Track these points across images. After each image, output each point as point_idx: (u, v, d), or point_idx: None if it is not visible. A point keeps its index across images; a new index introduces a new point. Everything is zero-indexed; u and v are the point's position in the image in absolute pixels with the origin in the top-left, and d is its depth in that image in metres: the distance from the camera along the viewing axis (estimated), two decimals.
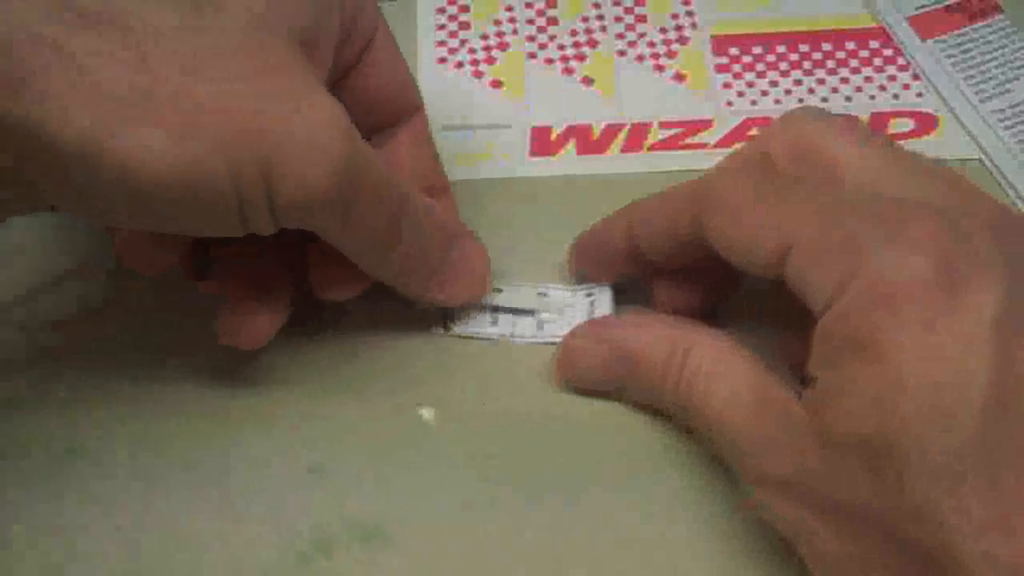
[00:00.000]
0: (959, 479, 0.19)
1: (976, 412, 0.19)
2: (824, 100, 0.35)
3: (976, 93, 0.35)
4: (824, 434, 0.21)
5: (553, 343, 0.29)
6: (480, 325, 0.29)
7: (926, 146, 0.33)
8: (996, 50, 0.35)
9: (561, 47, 0.36)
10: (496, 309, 0.30)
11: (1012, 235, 0.21)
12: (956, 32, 0.36)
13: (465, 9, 0.37)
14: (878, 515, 0.20)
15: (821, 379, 0.21)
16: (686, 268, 0.27)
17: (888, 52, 0.36)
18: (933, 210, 0.21)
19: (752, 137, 0.27)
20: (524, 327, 0.29)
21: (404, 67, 0.28)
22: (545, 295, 0.30)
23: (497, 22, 0.37)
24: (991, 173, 0.33)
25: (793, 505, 0.22)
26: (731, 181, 0.24)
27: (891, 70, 0.36)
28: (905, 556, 0.20)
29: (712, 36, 0.37)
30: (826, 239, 0.21)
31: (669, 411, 0.27)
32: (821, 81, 0.35)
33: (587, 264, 0.29)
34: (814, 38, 0.36)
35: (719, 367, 0.24)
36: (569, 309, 0.29)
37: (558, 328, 0.29)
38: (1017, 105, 0.34)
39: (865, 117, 0.34)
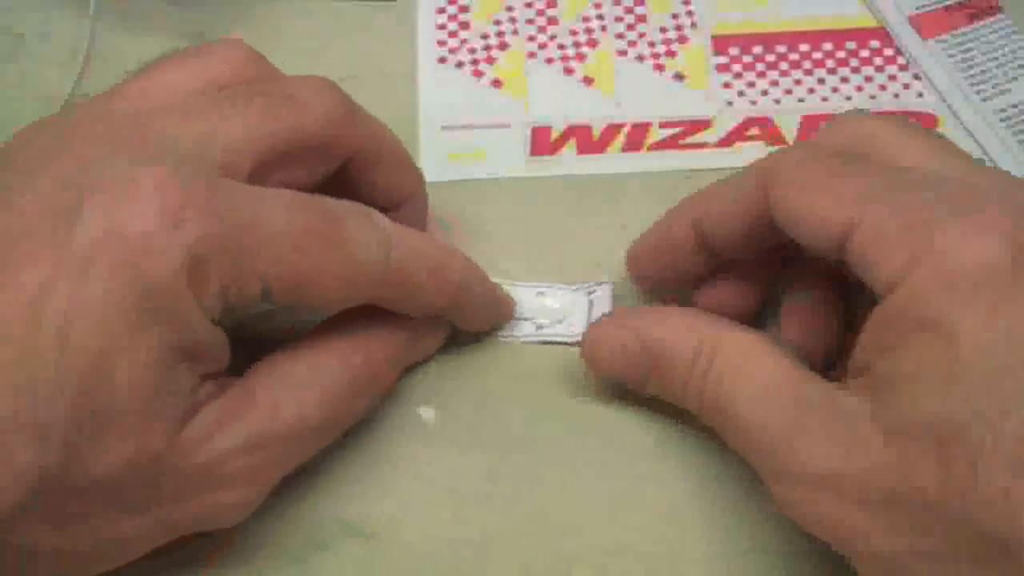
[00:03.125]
0: None
1: None
2: (824, 100, 0.35)
3: (976, 92, 0.34)
4: (885, 422, 0.20)
5: (553, 343, 0.29)
6: None
7: None
8: (996, 50, 0.35)
9: (561, 47, 0.36)
10: None
11: None
12: (956, 32, 0.36)
13: (465, 9, 0.37)
14: (946, 506, 0.19)
15: (881, 365, 0.21)
16: (746, 263, 0.27)
17: (888, 52, 0.36)
18: (1000, 195, 0.21)
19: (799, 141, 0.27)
20: (524, 327, 0.29)
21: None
22: (545, 295, 0.30)
23: (497, 22, 0.37)
24: None
25: (836, 502, 0.21)
26: (800, 158, 0.23)
27: (891, 70, 0.35)
28: (976, 548, 0.19)
29: (712, 36, 0.36)
30: (895, 217, 0.21)
31: (692, 407, 0.25)
32: (821, 81, 0.35)
33: (648, 267, 0.28)
34: (814, 38, 0.36)
35: (749, 362, 0.24)
36: (569, 308, 0.29)
37: (557, 328, 0.29)
38: (1017, 104, 0.34)
39: None
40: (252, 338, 0.25)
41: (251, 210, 0.21)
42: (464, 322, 0.28)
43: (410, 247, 0.24)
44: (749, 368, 0.23)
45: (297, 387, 0.24)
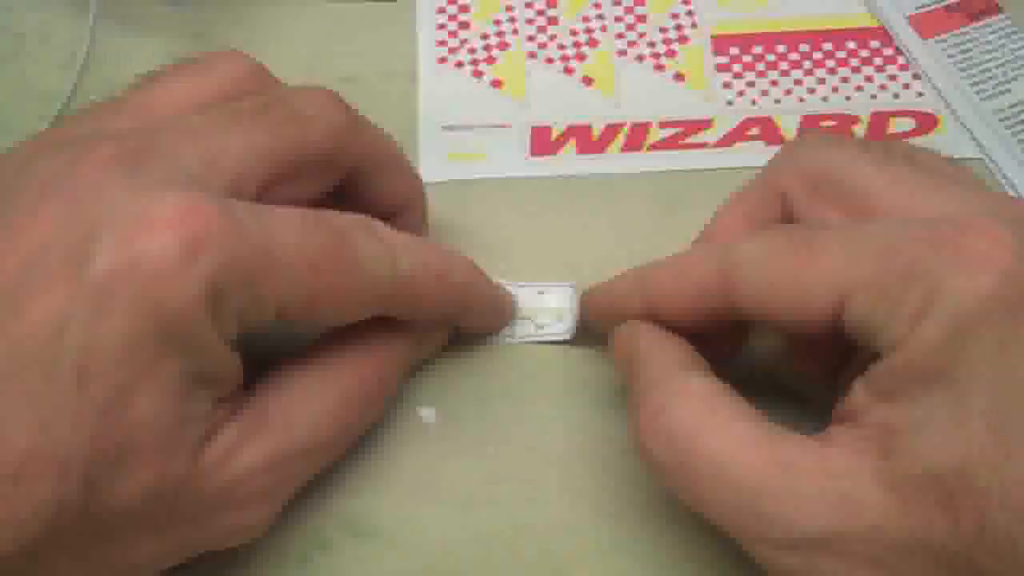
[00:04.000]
0: None
1: None
2: (824, 99, 0.35)
3: (976, 92, 0.35)
4: (888, 475, 0.20)
5: (552, 342, 0.29)
6: None
7: (927, 145, 0.33)
8: (996, 49, 0.35)
9: (561, 47, 0.36)
10: None
11: None
12: (956, 31, 0.36)
13: (465, 9, 0.37)
14: (956, 557, 0.19)
15: (879, 415, 0.20)
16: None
17: (888, 52, 0.36)
18: (984, 219, 0.20)
19: (759, 175, 0.26)
20: (523, 327, 0.29)
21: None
22: (545, 294, 0.30)
23: (497, 22, 0.37)
24: (992, 172, 0.33)
25: (840, 564, 0.20)
26: (760, 251, 0.22)
27: (891, 69, 0.35)
28: None
29: (712, 36, 0.37)
30: (887, 274, 0.20)
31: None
32: (821, 81, 0.35)
33: (597, 320, 0.28)
34: (814, 37, 0.36)
35: (714, 418, 0.22)
36: (568, 308, 0.29)
37: (556, 327, 0.29)
38: (1017, 104, 0.34)
39: (865, 116, 0.34)
40: (252, 344, 0.25)
41: (265, 234, 0.21)
42: (468, 325, 0.28)
43: (415, 257, 0.24)
44: (703, 423, 0.22)
45: (310, 402, 0.24)
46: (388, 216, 0.27)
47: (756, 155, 0.33)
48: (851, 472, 0.20)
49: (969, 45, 0.36)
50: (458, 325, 0.28)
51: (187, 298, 0.20)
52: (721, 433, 0.22)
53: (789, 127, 0.34)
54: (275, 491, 0.23)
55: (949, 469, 0.19)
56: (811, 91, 0.35)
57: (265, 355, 0.25)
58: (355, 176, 0.26)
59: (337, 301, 0.23)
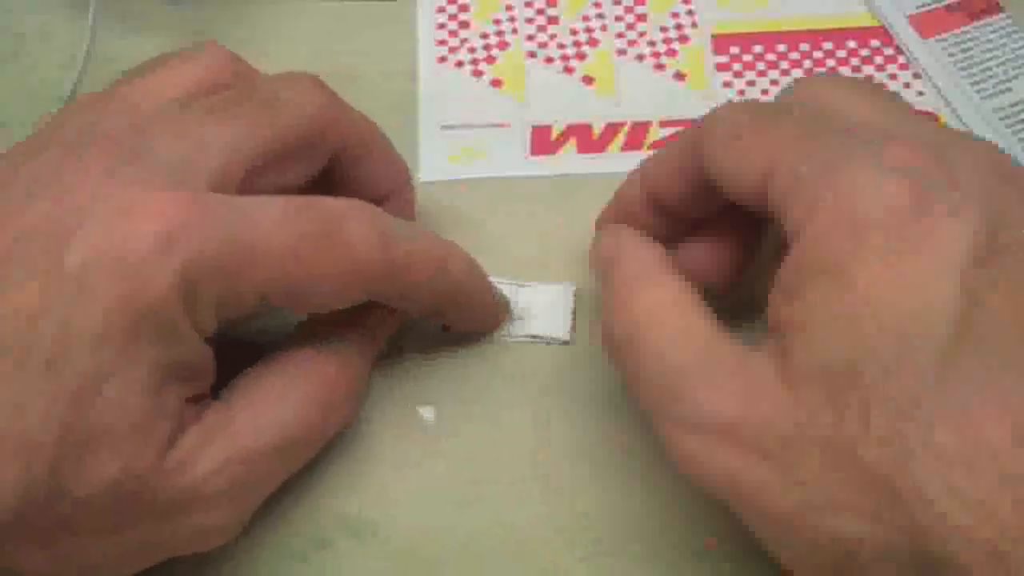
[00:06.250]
0: (925, 409, 0.18)
1: (942, 343, 0.18)
2: None
3: (977, 91, 0.34)
4: (785, 370, 0.20)
5: (551, 342, 0.29)
6: None
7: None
8: (997, 48, 0.35)
9: (561, 46, 0.36)
10: None
11: (1003, 175, 0.20)
12: (957, 31, 0.36)
13: (465, 8, 0.37)
14: (840, 453, 0.19)
15: (783, 312, 0.20)
16: (708, 224, 0.27)
17: (889, 51, 0.36)
18: (920, 141, 0.20)
19: (682, 134, 0.26)
20: (522, 326, 0.29)
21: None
22: (543, 295, 0.30)
23: (497, 21, 0.37)
24: None
25: (734, 453, 0.20)
26: (727, 110, 0.23)
27: (892, 69, 0.35)
28: (869, 498, 0.18)
29: (712, 35, 0.36)
30: (803, 162, 0.21)
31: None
32: None
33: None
34: (815, 37, 0.36)
35: (664, 308, 0.23)
36: (567, 308, 0.29)
37: (555, 327, 0.29)
38: (1018, 103, 0.34)
39: None
40: (230, 342, 0.25)
41: (244, 224, 0.21)
42: (457, 320, 0.28)
43: (413, 243, 0.24)
44: (663, 312, 0.23)
45: (274, 403, 0.24)
46: (376, 204, 0.27)
47: None
48: (761, 370, 0.20)
49: (970, 44, 0.36)
50: (447, 321, 0.28)
51: (162, 288, 0.20)
52: (673, 322, 0.22)
53: None
54: (241, 493, 0.23)
55: (838, 365, 0.19)
56: None
57: (241, 352, 0.25)
58: (340, 162, 0.26)
59: (323, 286, 0.23)
